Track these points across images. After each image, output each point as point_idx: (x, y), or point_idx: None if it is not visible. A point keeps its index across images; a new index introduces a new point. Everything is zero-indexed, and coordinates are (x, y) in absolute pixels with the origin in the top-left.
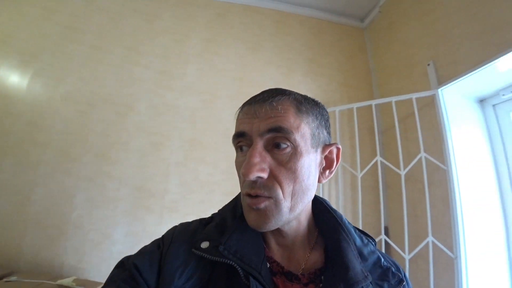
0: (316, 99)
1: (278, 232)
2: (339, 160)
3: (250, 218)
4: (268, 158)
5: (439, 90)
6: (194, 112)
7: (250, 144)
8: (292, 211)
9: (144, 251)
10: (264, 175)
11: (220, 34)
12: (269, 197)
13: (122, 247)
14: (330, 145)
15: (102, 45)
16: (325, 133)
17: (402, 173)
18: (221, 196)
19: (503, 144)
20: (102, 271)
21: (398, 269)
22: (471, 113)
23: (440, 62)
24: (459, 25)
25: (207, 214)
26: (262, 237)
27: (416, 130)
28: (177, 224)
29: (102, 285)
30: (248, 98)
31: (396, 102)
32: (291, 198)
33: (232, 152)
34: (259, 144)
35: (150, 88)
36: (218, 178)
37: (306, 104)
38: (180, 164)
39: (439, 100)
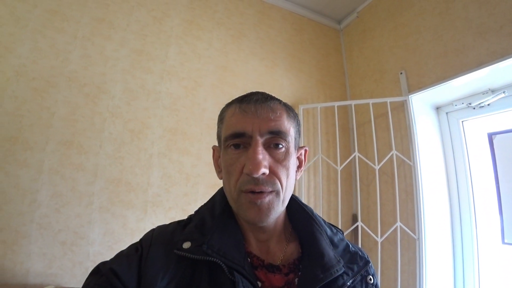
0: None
1: (259, 227)
2: (306, 160)
3: (251, 213)
4: (267, 156)
5: (410, 96)
6: (176, 99)
7: (247, 143)
8: (283, 204)
9: (121, 255)
10: (267, 171)
11: (201, 17)
12: (271, 191)
13: (100, 247)
14: (301, 147)
15: (62, 11)
16: (298, 137)
17: (377, 167)
18: (206, 189)
19: (452, 145)
20: (78, 276)
21: (363, 253)
22: (430, 118)
23: (409, 72)
24: (427, 43)
25: (192, 208)
26: (241, 234)
27: (384, 129)
28: (154, 227)
29: None
30: (232, 88)
31: (371, 104)
32: (285, 192)
33: (215, 143)
34: (260, 142)
35: (126, 68)
36: (202, 170)
37: (292, 111)
38: (162, 155)
39: (410, 105)
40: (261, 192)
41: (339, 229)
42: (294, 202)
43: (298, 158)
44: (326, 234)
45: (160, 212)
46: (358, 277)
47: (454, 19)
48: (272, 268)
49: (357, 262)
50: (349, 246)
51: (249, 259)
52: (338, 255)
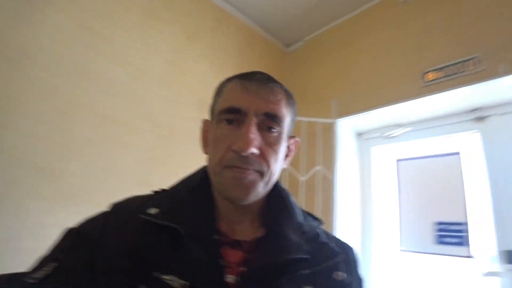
0: None
1: (235, 208)
2: (295, 151)
3: (234, 190)
4: (259, 137)
5: (337, 120)
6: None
7: (241, 120)
8: (266, 187)
9: (89, 218)
10: (257, 152)
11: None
12: (256, 171)
13: None
14: (292, 137)
15: None
16: (292, 127)
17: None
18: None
19: (366, 167)
20: None
21: (338, 246)
22: (352, 141)
23: (339, 100)
24: (355, 76)
25: None
26: (214, 209)
27: (317, 146)
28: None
29: None
30: (180, 86)
31: (306, 122)
32: (270, 176)
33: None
34: (254, 122)
35: None
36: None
37: (291, 98)
38: None
39: (337, 127)
40: (246, 169)
41: (318, 218)
42: (274, 187)
43: (288, 147)
44: (296, 218)
45: None
46: (322, 270)
47: (379, 63)
48: (234, 244)
49: (323, 253)
50: (319, 236)
51: (217, 237)
52: (303, 242)
